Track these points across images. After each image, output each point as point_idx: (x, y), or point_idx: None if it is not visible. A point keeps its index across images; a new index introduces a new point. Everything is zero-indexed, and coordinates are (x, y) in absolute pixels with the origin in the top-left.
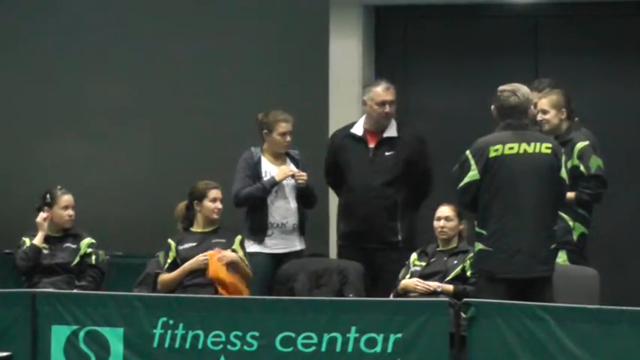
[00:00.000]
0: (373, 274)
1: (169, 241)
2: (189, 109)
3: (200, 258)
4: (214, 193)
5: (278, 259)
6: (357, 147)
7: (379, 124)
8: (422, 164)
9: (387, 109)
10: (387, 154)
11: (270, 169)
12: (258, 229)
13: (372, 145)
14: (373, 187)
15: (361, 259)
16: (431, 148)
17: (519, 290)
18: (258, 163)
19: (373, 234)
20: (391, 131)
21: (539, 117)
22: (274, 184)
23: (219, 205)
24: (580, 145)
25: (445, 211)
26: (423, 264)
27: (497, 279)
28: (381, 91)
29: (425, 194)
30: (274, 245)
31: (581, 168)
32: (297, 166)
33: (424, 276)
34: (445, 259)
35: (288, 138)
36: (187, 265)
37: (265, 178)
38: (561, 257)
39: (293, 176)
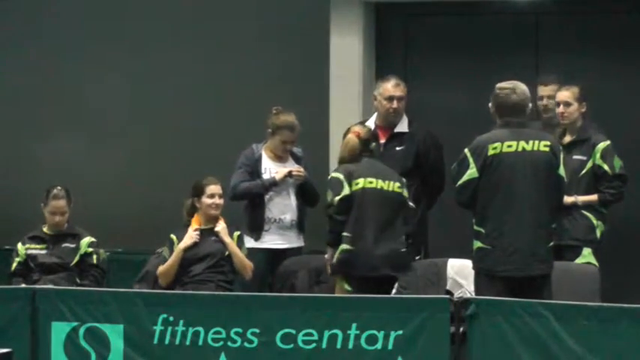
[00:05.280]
0: None
1: (172, 236)
2: (189, 107)
3: (192, 233)
4: (212, 188)
5: (276, 254)
6: None
7: (387, 120)
8: (432, 159)
9: (395, 104)
10: (397, 148)
11: (270, 167)
12: (256, 225)
13: (382, 141)
14: None
15: None
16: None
17: (518, 288)
18: (259, 160)
19: None
20: (402, 127)
21: (561, 109)
22: (274, 184)
23: (217, 200)
24: (603, 144)
25: None
26: None
27: (495, 277)
28: (390, 86)
29: (438, 190)
30: (271, 240)
31: (605, 167)
32: (298, 164)
33: None
34: None
35: (289, 147)
36: (181, 244)
37: (265, 175)
38: (587, 256)
39: (291, 175)
